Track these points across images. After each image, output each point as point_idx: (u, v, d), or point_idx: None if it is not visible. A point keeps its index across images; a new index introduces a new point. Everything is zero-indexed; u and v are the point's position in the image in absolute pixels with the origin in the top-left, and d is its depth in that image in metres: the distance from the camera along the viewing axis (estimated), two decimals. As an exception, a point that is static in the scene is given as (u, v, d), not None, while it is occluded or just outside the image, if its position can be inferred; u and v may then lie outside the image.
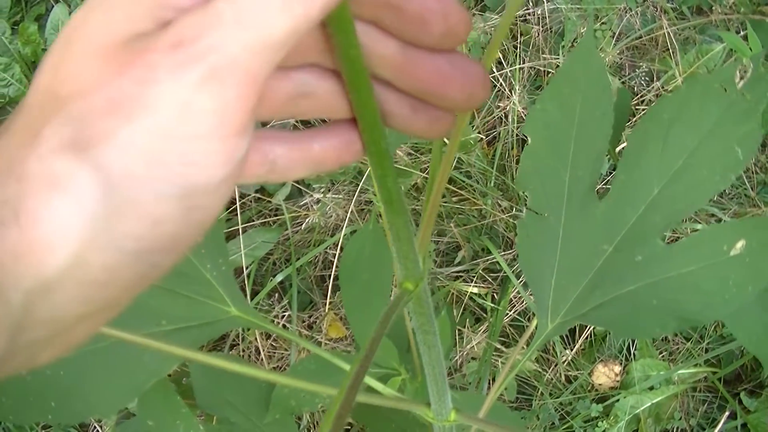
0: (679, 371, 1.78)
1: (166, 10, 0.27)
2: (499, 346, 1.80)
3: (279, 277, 1.79)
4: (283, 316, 1.80)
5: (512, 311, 1.84)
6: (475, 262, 1.90)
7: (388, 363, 0.92)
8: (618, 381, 1.81)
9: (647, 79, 2.08)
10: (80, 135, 0.26)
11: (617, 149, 0.74)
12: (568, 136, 0.66)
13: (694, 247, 0.65)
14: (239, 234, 1.77)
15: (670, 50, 2.10)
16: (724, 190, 1.89)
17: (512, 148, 1.95)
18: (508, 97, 2.06)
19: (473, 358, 1.82)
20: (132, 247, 0.27)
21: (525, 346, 0.74)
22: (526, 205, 0.68)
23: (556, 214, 0.67)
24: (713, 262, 0.64)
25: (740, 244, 0.63)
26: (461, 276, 1.90)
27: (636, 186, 0.65)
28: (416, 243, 0.43)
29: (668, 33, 2.10)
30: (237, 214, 1.78)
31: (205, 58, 0.26)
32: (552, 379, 1.82)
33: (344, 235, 1.80)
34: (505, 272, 1.81)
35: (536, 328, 0.71)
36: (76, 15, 0.28)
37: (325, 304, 1.81)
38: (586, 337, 1.85)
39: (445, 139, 0.42)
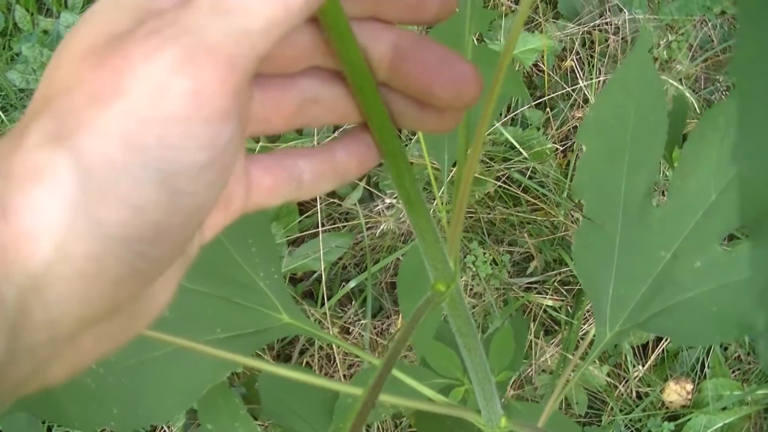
0: (754, 393, 1.74)
1: (148, 13, 0.28)
2: (571, 358, 1.78)
3: (352, 284, 1.80)
4: (355, 322, 1.81)
5: (586, 325, 1.82)
6: (548, 273, 1.89)
7: (451, 373, 0.92)
8: (689, 399, 1.78)
9: (726, 93, 2.04)
10: (61, 127, 0.26)
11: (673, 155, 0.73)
12: (623, 143, 0.65)
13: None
14: (309, 238, 1.78)
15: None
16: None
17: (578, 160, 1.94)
18: (582, 107, 2.04)
19: (544, 371, 1.81)
20: (115, 235, 0.26)
21: (585, 355, 0.74)
22: (582, 213, 0.67)
23: (612, 222, 0.67)
24: (776, 268, 0.63)
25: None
26: (534, 287, 1.89)
27: (693, 192, 0.64)
28: (445, 244, 0.43)
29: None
30: (313, 218, 1.80)
31: (179, 41, 0.26)
32: (623, 394, 1.79)
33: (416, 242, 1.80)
34: (580, 285, 1.80)
35: (594, 336, 0.70)
36: (70, 30, 0.29)
37: (396, 312, 1.81)
38: (659, 354, 1.82)
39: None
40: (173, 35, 0.26)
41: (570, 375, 0.73)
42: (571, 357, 1.76)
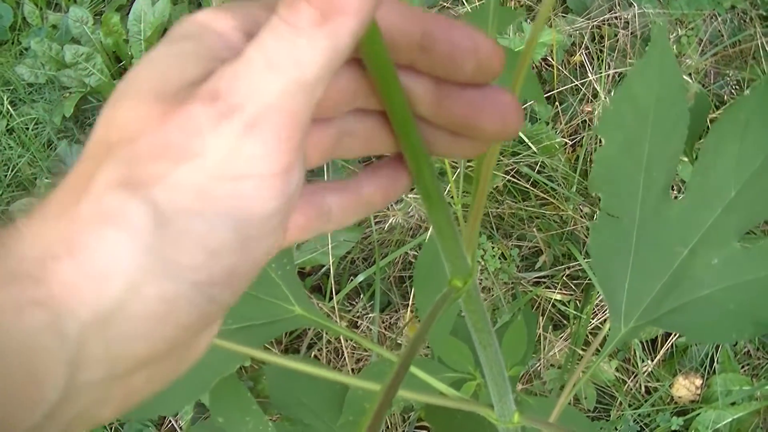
0: (763, 387, 1.74)
1: (214, 62, 0.29)
2: (581, 353, 1.78)
3: (360, 278, 1.80)
4: (363, 316, 1.80)
5: (595, 319, 1.82)
6: (557, 268, 1.88)
7: (463, 367, 0.92)
8: (698, 394, 1.77)
9: (737, 87, 2.03)
10: (130, 176, 0.27)
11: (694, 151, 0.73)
12: (642, 137, 0.64)
13: (774, 250, 0.63)
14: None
15: (758, 58, 2.05)
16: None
17: (595, 153, 1.93)
18: (591, 102, 2.04)
19: (553, 365, 1.81)
20: (189, 278, 0.28)
21: (599, 350, 0.73)
22: (599, 207, 0.67)
23: (629, 216, 0.66)
24: (794, 267, 0.62)
25: (823, 247, 0.61)
26: (543, 282, 1.88)
27: (712, 187, 0.63)
28: (462, 239, 0.43)
29: (761, 42, 2.05)
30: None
31: (242, 110, 0.27)
32: (632, 389, 1.79)
33: (429, 236, 1.80)
34: (589, 279, 1.79)
35: (609, 332, 0.70)
36: (129, 72, 0.30)
37: (405, 306, 1.81)
38: (668, 349, 1.81)
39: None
40: (236, 100, 0.27)
41: (582, 370, 0.73)
42: (580, 352, 1.76)
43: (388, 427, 1.71)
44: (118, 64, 2.24)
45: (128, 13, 2.20)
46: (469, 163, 1.62)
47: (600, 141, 1.89)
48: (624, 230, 0.67)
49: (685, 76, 2.01)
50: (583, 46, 2.12)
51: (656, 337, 1.83)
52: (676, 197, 0.64)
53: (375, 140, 0.36)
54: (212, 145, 0.27)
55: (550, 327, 1.83)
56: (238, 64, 0.27)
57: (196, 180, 0.27)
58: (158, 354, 0.29)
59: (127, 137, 0.28)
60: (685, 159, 0.82)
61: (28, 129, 2.17)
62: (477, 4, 2.10)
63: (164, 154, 0.27)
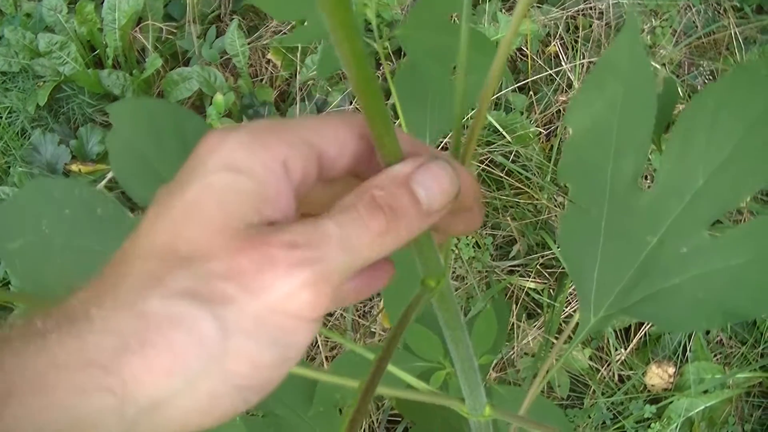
0: (735, 375, 1.75)
1: (263, 204, 0.35)
2: (554, 341, 1.78)
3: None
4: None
5: (568, 308, 1.82)
6: (530, 256, 1.89)
7: (432, 357, 0.92)
8: (671, 383, 1.78)
9: (710, 78, 2.04)
10: (201, 289, 0.32)
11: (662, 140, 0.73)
12: (611, 126, 0.64)
13: (742, 239, 0.62)
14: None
15: (731, 49, 2.06)
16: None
17: (564, 143, 1.93)
18: (566, 92, 2.04)
19: (527, 354, 1.81)
20: (236, 383, 0.33)
21: (570, 338, 0.73)
22: (567, 197, 0.66)
23: (598, 206, 0.66)
24: (762, 255, 0.62)
25: (791, 237, 0.61)
26: (517, 270, 1.89)
27: (681, 176, 0.63)
28: (435, 239, 0.43)
29: (734, 32, 2.06)
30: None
31: (312, 265, 0.33)
32: (605, 377, 1.79)
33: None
34: (562, 268, 1.80)
35: (578, 321, 0.70)
36: (186, 189, 0.35)
37: (378, 294, 1.81)
38: (641, 337, 1.82)
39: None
40: (309, 258, 0.33)
41: (554, 360, 0.73)
42: (553, 340, 1.76)
43: (362, 416, 1.71)
44: (93, 53, 2.22)
45: (102, 2, 2.18)
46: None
47: (573, 130, 1.90)
48: (593, 220, 0.66)
49: (659, 67, 2.02)
50: (557, 36, 2.12)
51: (629, 326, 1.84)
52: (649, 186, 0.64)
53: None
54: (279, 284, 0.32)
55: (524, 315, 1.84)
56: (317, 229, 0.34)
57: (258, 309, 0.32)
58: None
59: (200, 254, 0.33)
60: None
61: (1, 118, 2.15)
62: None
63: (236, 280, 0.32)
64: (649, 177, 1.79)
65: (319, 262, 0.33)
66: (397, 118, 0.91)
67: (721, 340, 1.83)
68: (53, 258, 0.68)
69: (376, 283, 0.43)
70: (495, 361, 1.78)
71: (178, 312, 0.31)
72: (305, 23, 1.05)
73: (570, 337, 0.73)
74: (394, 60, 2.09)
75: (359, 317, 1.80)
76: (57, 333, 0.30)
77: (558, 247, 1.79)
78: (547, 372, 0.73)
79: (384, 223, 0.35)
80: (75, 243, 0.67)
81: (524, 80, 2.07)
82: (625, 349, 1.82)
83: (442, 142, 1.77)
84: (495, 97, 2.04)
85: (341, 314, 1.79)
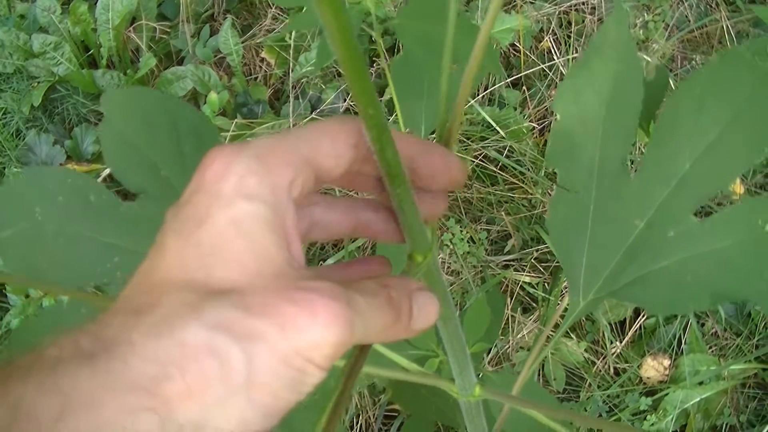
0: (730, 367, 1.75)
1: (288, 238, 0.38)
2: (551, 333, 1.79)
3: (330, 261, 1.80)
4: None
5: (564, 301, 1.82)
6: (525, 251, 1.89)
7: (425, 345, 0.92)
8: (667, 375, 1.79)
9: (703, 70, 2.04)
10: (235, 323, 0.34)
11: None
12: (598, 111, 0.65)
13: (728, 222, 0.63)
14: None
15: (724, 42, 2.06)
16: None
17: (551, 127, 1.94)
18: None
19: (522, 348, 1.82)
20: (260, 410, 0.35)
21: (559, 322, 0.74)
22: (556, 182, 0.67)
23: (586, 190, 0.66)
24: (748, 237, 0.62)
25: (777, 219, 0.61)
26: (512, 265, 1.89)
27: (668, 161, 0.63)
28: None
29: (726, 25, 2.07)
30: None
31: (346, 324, 0.35)
32: (601, 370, 1.80)
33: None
34: (557, 261, 1.80)
35: (568, 305, 0.70)
36: (211, 227, 0.37)
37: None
38: (636, 330, 1.83)
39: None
40: (346, 316, 0.35)
41: (544, 343, 0.73)
42: (549, 333, 1.77)
43: (358, 410, 1.71)
44: (87, 53, 2.22)
45: (96, 2, 2.18)
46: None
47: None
48: (581, 204, 0.67)
49: (650, 60, 2.03)
50: (550, 31, 2.13)
51: (624, 319, 1.84)
52: (635, 170, 0.64)
53: (336, 228, 0.45)
54: (314, 330, 0.34)
55: (519, 309, 1.84)
56: (351, 297, 0.36)
57: (285, 350, 0.34)
58: None
59: (233, 290, 0.35)
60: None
61: (-5, 119, 2.15)
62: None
63: (270, 316, 0.34)
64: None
65: (351, 324, 0.35)
66: (394, 109, 0.92)
67: (716, 332, 1.84)
68: (46, 245, 0.68)
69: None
70: (491, 355, 1.79)
71: (213, 344, 0.34)
72: (303, 10, 1.06)
73: (558, 323, 0.73)
74: (388, 57, 2.10)
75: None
76: (105, 356, 0.33)
77: (548, 233, 1.79)
78: (538, 355, 0.73)
79: (391, 319, 0.38)
80: (68, 230, 0.68)
81: (517, 75, 2.08)
82: (621, 342, 1.82)
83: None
84: (488, 92, 2.05)
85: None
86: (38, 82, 2.16)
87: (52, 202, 0.69)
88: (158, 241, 0.38)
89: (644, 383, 1.80)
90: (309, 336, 0.34)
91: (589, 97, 0.66)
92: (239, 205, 0.37)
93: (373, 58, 2.14)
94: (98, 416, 0.32)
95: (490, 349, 1.79)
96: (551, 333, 0.70)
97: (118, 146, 0.69)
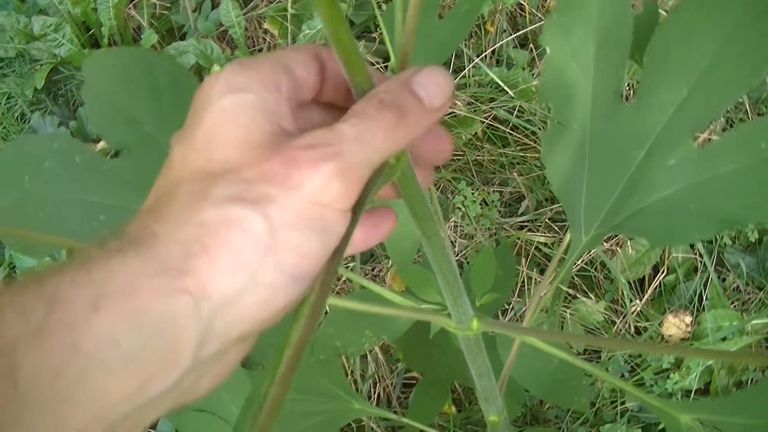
0: (753, 321, 1.72)
1: (276, 116, 0.39)
2: (569, 291, 1.77)
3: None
4: (345, 266, 1.79)
5: (580, 261, 1.80)
6: (539, 211, 1.87)
7: (431, 296, 0.90)
8: (689, 332, 1.76)
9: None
10: (244, 194, 0.36)
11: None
12: (588, 42, 0.63)
13: (730, 147, 0.61)
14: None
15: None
16: None
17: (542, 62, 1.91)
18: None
19: (541, 310, 1.79)
20: (289, 272, 0.36)
21: (562, 259, 0.72)
22: (549, 117, 0.65)
23: (581, 124, 0.64)
24: (753, 161, 0.60)
25: (780, 140, 0.59)
26: (526, 226, 1.87)
27: (663, 88, 0.61)
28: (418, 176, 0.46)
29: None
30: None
31: (334, 159, 0.37)
32: (621, 330, 1.78)
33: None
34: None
35: (569, 242, 0.68)
36: (206, 113, 0.39)
37: (387, 256, 1.80)
38: (656, 287, 1.80)
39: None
40: (329, 153, 0.37)
41: (549, 283, 0.71)
42: (567, 291, 1.74)
43: (376, 379, 1.70)
44: (88, 33, 2.21)
45: (95, -18, 2.17)
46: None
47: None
48: (577, 138, 0.65)
49: None
50: (557, -11, 2.09)
51: (643, 276, 1.82)
52: (628, 100, 0.62)
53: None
54: (309, 179, 0.36)
55: (536, 270, 1.82)
56: (333, 131, 0.38)
57: (297, 203, 0.36)
58: (251, 333, 0.37)
59: (233, 168, 0.37)
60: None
61: (0, 104, 2.14)
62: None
63: (271, 181, 0.36)
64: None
65: (339, 156, 0.37)
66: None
67: (738, 286, 1.81)
68: (35, 212, 0.68)
69: (381, 231, 0.46)
70: (508, 317, 1.77)
71: (231, 215, 0.35)
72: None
73: (564, 257, 0.71)
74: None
75: (368, 280, 1.79)
76: (133, 248, 0.34)
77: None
78: (542, 297, 0.71)
79: (393, 120, 0.39)
80: (55, 194, 0.68)
81: (525, 35, 2.05)
82: (641, 300, 1.80)
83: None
84: (496, 54, 2.02)
85: (349, 279, 1.78)
86: (40, 65, 2.15)
87: (39, 169, 0.69)
88: (167, 158, 0.40)
89: (666, 341, 1.77)
90: (309, 185, 0.36)
91: (578, 28, 0.64)
92: (229, 96, 0.39)
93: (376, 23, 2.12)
94: (134, 303, 0.33)
95: (506, 310, 1.77)
96: (555, 270, 0.68)
97: (100, 106, 0.69)
